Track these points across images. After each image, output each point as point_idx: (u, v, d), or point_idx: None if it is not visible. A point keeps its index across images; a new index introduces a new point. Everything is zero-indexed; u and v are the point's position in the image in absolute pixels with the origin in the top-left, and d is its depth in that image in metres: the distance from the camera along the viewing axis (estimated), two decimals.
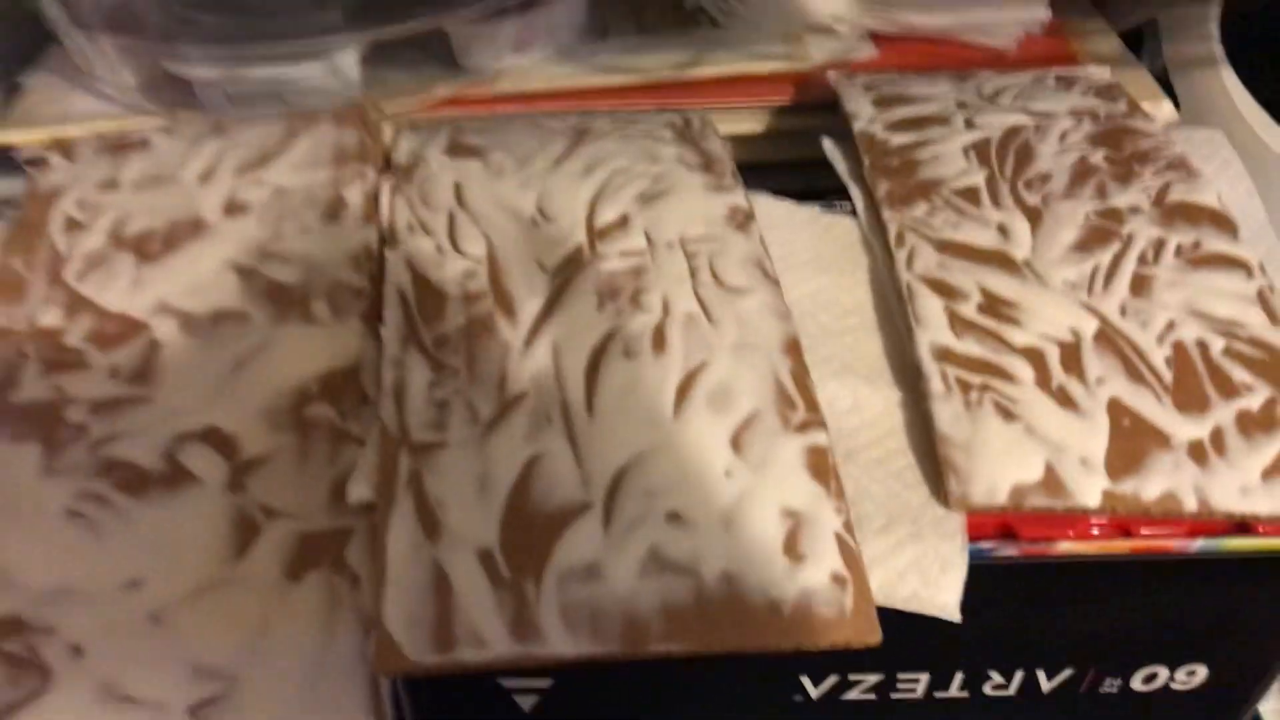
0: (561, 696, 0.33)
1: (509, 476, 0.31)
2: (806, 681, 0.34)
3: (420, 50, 0.53)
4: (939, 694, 0.35)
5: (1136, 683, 0.35)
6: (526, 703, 0.34)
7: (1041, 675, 0.35)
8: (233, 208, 0.40)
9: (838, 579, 0.29)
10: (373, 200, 0.40)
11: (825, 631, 0.28)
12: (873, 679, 0.34)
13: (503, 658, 0.28)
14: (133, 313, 0.36)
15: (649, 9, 0.58)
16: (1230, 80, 0.55)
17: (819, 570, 0.29)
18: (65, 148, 0.43)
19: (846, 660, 0.33)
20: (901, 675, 0.34)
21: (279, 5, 0.52)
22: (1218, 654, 0.34)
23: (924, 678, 0.34)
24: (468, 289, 0.36)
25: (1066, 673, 0.35)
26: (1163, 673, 0.35)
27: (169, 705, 0.29)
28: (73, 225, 0.39)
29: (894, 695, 0.35)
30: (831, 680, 0.34)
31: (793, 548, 0.30)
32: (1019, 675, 0.35)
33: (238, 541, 0.32)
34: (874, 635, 0.29)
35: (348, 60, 0.51)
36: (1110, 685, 0.35)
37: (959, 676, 0.34)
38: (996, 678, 0.35)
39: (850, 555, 0.30)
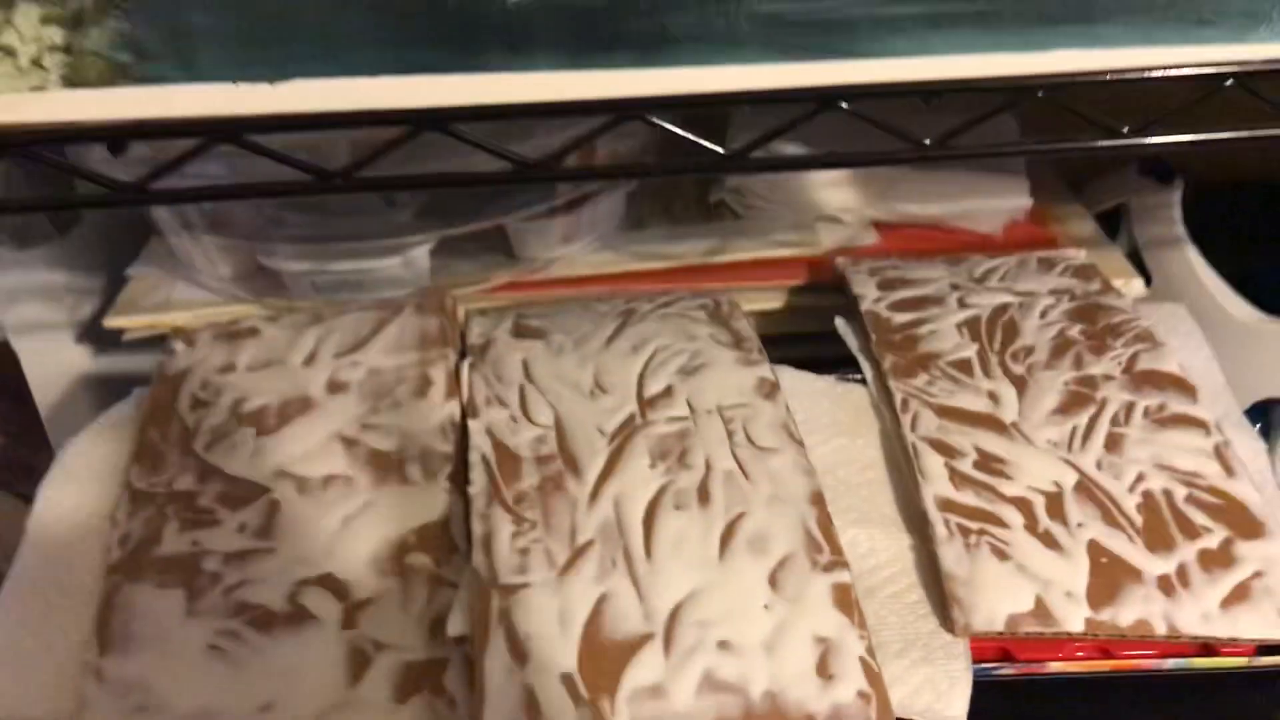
0: None
1: (583, 612, 0.36)
2: None
3: (482, 244, 0.61)
4: None
5: None
6: None
7: None
8: (334, 386, 0.46)
9: (863, 695, 0.35)
10: (454, 378, 0.47)
11: None
12: None
13: None
14: (255, 478, 0.43)
15: (678, 203, 0.66)
16: (1194, 256, 0.63)
17: (847, 689, 0.35)
18: (187, 336, 0.50)
19: None
20: None
21: (356, 207, 0.60)
22: None
23: None
24: (539, 452, 0.42)
25: None
26: None
27: None
28: (198, 404, 0.46)
29: None
30: None
31: (824, 669, 0.35)
32: None
33: (353, 670, 0.37)
34: None
35: (420, 254, 0.58)
36: None
37: None
38: None
39: (873, 675, 0.35)
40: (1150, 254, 0.65)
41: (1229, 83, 0.37)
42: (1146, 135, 0.38)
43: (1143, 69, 0.37)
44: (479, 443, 0.43)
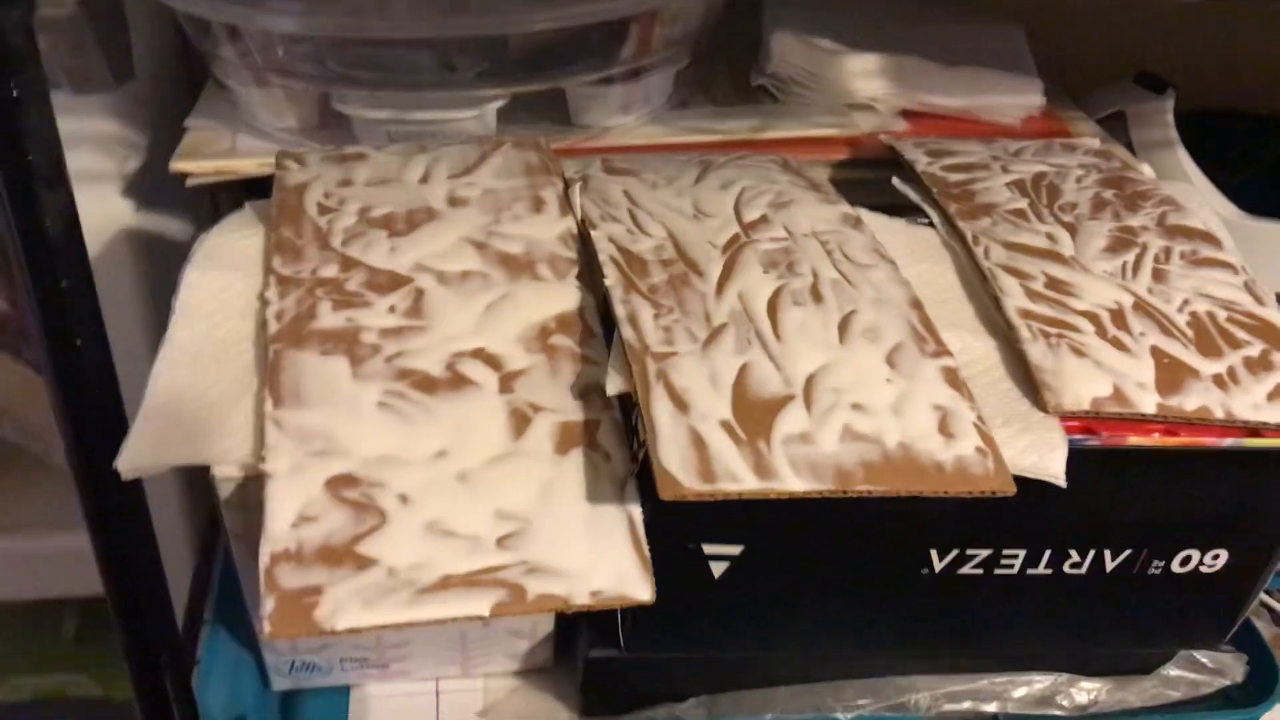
0: (745, 565, 0.43)
1: (730, 375, 0.41)
2: (934, 555, 0.44)
3: (541, 111, 0.64)
4: (1030, 570, 0.45)
5: (1175, 565, 0.46)
6: (719, 569, 0.43)
7: (1108, 555, 0.45)
8: (454, 201, 0.50)
9: (980, 450, 0.40)
10: (564, 199, 0.50)
11: (977, 482, 0.39)
12: (983, 554, 0.44)
13: (751, 490, 0.37)
14: (397, 270, 0.46)
15: (717, 86, 0.71)
16: (1184, 157, 0.69)
17: (967, 444, 0.40)
18: (296, 157, 0.52)
19: (967, 533, 0.44)
20: (1005, 551, 0.44)
21: (417, 67, 0.63)
22: (1236, 539, 0.45)
23: (1021, 554, 0.44)
24: (661, 256, 0.46)
25: (1126, 554, 0.45)
26: (1195, 556, 0.46)
27: (482, 538, 0.38)
28: (325, 209, 0.49)
29: (997, 570, 0.45)
30: (953, 553, 0.44)
31: (945, 429, 0.40)
32: (1091, 555, 0.45)
33: (515, 427, 0.41)
34: (1011, 487, 0.39)
35: (492, 109, 0.62)
36: (1156, 567, 0.46)
37: (1047, 554, 0.45)
38: (1074, 556, 0.45)
39: (986, 436, 0.40)
40: (1145, 155, 0.71)
41: None
42: None
43: None
44: (605, 247, 0.46)
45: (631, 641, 0.46)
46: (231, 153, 0.62)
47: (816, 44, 0.69)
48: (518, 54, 0.63)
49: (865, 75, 0.68)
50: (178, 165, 0.62)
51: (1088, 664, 0.50)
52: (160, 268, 0.67)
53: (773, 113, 0.67)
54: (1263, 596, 0.67)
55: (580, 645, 0.47)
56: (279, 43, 0.61)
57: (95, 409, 0.48)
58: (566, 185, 0.52)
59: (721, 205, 0.51)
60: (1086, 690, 0.49)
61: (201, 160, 0.62)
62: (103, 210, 0.66)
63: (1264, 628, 0.63)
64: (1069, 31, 0.77)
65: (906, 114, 0.68)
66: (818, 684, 0.49)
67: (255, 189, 0.55)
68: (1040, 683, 0.49)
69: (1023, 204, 0.54)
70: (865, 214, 0.53)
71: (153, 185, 0.68)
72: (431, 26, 0.60)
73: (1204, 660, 0.50)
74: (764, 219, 0.50)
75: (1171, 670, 0.50)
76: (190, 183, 0.62)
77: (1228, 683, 0.50)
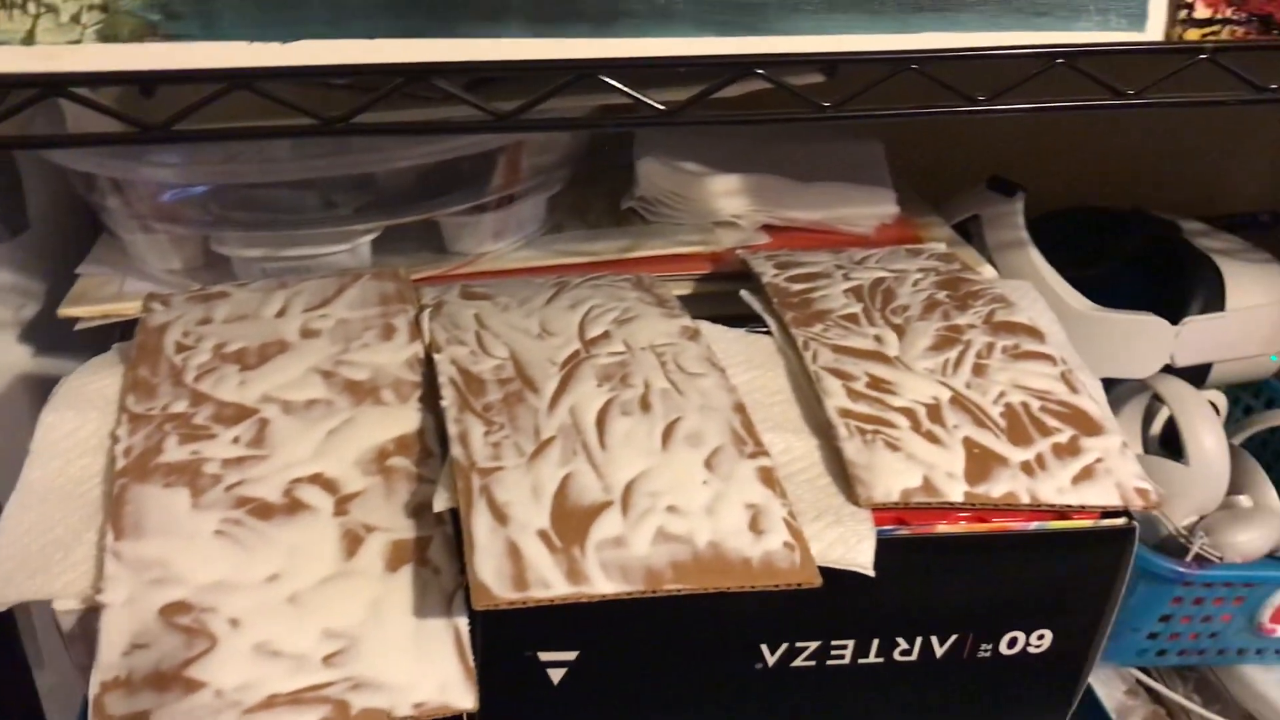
0: (582, 670, 0.44)
1: (552, 486, 0.43)
2: (765, 650, 0.46)
3: (417, 240, 0.68)
4: (861, 660, 0.47)
5: (1003, 647, 0.48)
6: (556, 676, 0.45)
7: (935, 641, 0.47)
8: (307, 333, 0.52)
9: (788, 545, 0.42)
10: (415, 325, 0.53)
11: (783, 576, 0.41)
12: (813, 645, 0.46)
13: (562, 595, 0.39)
14: (244, 402, 0.48)
15: (592, 211, 0.74)
16: (1035, 255, 0.73)
17: (775, 539, 0.42)
18: (162, 298, 0.55)
19: (793, 626, 0.45)
20: (834, 642, 0.46)
21: (299, 207, 0.66)
22: (1057, 619, 0.47)
23: (851, 644, 0.46)
24: (500, 376, 0.49)
25: (953, 639, 0.47)
26: (1021, 637, 0.48)
27: (308, 656, 0.40)
28: (182, 347, 0.51)
29: (829, 662, 0.47)
30: (783, 647, 0.46)
31: (755, 526, 0.42)
32: (919, 641, 0.47)
33: (347, 547, 0.43)
34: (817, 579, 0.41)
35: (364, 243, 0.65)
36: (985, 650, 0.48)
37: (875, 643, 0.47)
38: (903, 644, 0.47)
39: (795, 531, 0.42)
40: (999, 256, 0.75)
41: (1059, 61, 0.47)
42: (997, 103, 0.47)
43: (991, 48, 0.46)
44: (446, 369, 0.49)
45: None
46: (119, 296, 0.65)
47: (681, 167, 0.73)
48: (391, 189, 0.67)
49: (727, 194, 0.72)
50: (66, 310, 0.64)
51: None
52: None
53: (642, 233, 0.71)
54: (1140, 676, 0.68)
55: None
56: (160, 191, 0.65)
57: None
58: (419, 312, 0.55)
59: (567, 324, 0.53)
60: None
61: (89, 305, 0.64)
62: (0, 357, 0.68)
63: (1140, 706, 0.65)
64: (932, 142, 0.82)
65: (768, 228, 0.72)
66: None
67: None
68: None
69: (856, 309, 0.57)
70: (706, 326, 0.55)
71: (51, 332, 0.70)
72: (305, 169, 0.64)
73: None
74: (606, 335, 0.53)
75: None
76: (79, 326, 0.65)
77: None
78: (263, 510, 0.44)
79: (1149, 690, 0.68)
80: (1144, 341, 0.74)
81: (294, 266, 0.64)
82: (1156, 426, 0.79)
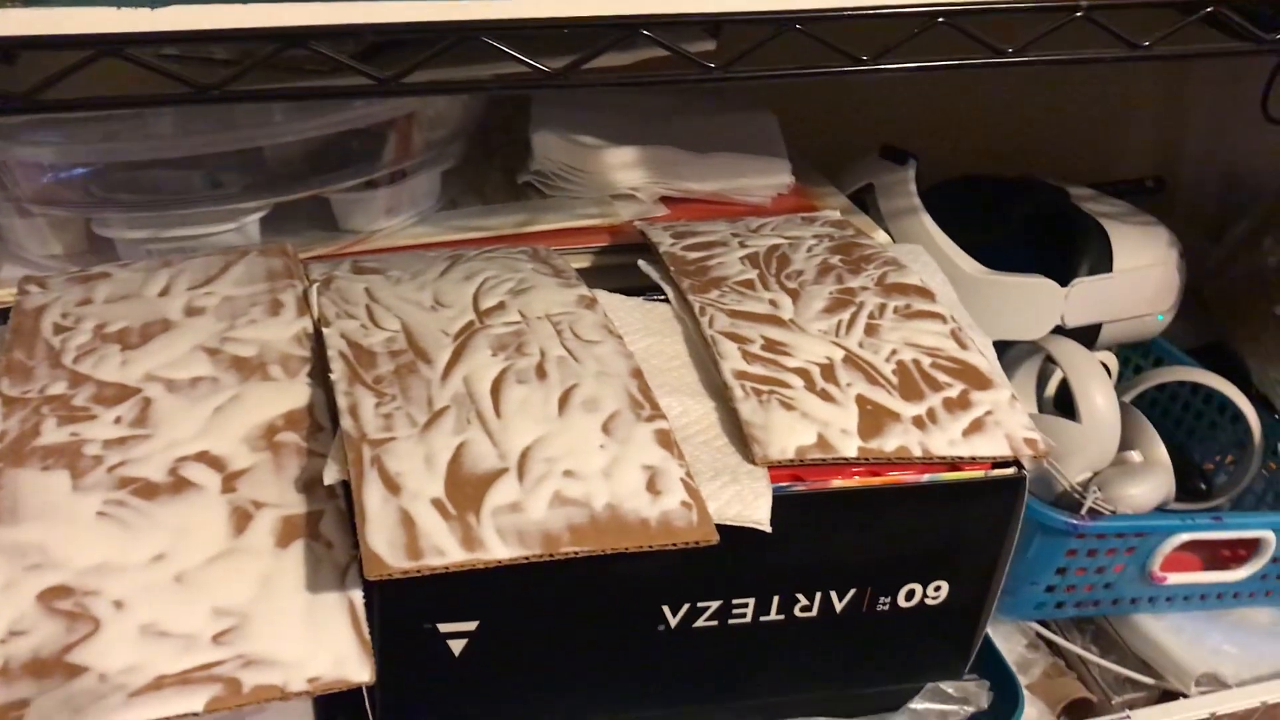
0: (483, 640, 0.44)
1: (446, 454, 0.42)
2: (667, 611, 0.46)
3: (308, 218, 0.66)
4: (763, 618, 0.47)
5: (901, 599, 0.48)
6: (457, 647, 0.44)
7: (834, 596, 0.47)
8: (191, 310, 0.51)
9: (685, 504, 0.42)
10: (303, 301, 0.52)
11: (680, 534, 0.41)
12: (714, 605, 0.46)
13: (457, 561, 0.39)
14: (126, 381, 0.46)
15: (487, 185, 0.73)
16: (927, 220, 0.75)
17: (672, 499, 0.42)
18: (39, 280, 0.53)
19: (694, 586, 0.45)
20: (735, 601, 0.46)
21: (185, 188, 0.64)
22: (953, 570, 0.48)
23: (751, 602, 0.47)
24: (392, 348, 0.48)
25: (851, 593, 0.48)
26: (918, 589, 0.48)
27: (197, 636, 0.39)
28: (60, 328, 0.49)
29: (731, 620, 0.47)
30: (685, 608, 0.46)
31: (653, 487, 0.42)
32: (818, 597, 0.47)
33: (236, 524, 0.42)
34: (714, 536, 0.41)
35: (252, 221, 0.63)
36: (883, 603, 0.48)
37: (776, 600, 0.47)
38: (802, 599, 0.47)
39: (692, 490, 0.42)
40: (893, 222, 0.76)
41: (940, 20, 0.47)
42: (881, 63, 0.48)
43: (874, 7, 0.47)
44: (335, 343, 0.48)
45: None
46: None
47: (578, 140, 0.72)
48: (279, 165, 0.65)
49: (624, 167, 0.72)
50: None
51: (841, 706, 0.52)
52: None
53: (539, 207, 0.70)
54: (1039, 630, 0.70)
55: None
56: (37, 173, 0.62)
57: None
58: (309, 287, 0.53)
59: (460, 295, 0.53)
60: None
61: None
62: None
63: (1040, 658, 0.67)
64: (825, 112, 0.83)
65: (666, 200, 0.72)
66: None
67: None
68: None
69: (752, 275, 0.57)
70: (603, 295, 0.55)
71: None
72: (189, 145, 0.62)
73: (950, 690, 0.53)
74: (501, 305, 0.52)
75: (920, 704, 0.53)
76: None
77: (973, 710, 0.53)
78: (147, 490, 0.42)
79: (1048, 643, 0.70)
80: (1035, 303, 0.76)
81: (180, 247, 0.62)
82: (1051, 388, 0.81)
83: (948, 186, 0.83)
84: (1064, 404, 0.76)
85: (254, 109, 0.62)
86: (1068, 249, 0.79)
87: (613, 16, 0.44)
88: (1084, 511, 0.64)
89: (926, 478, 0.46)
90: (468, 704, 0.46)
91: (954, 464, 0.47)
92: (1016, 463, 0.47)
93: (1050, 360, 0.76)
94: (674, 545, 0.41)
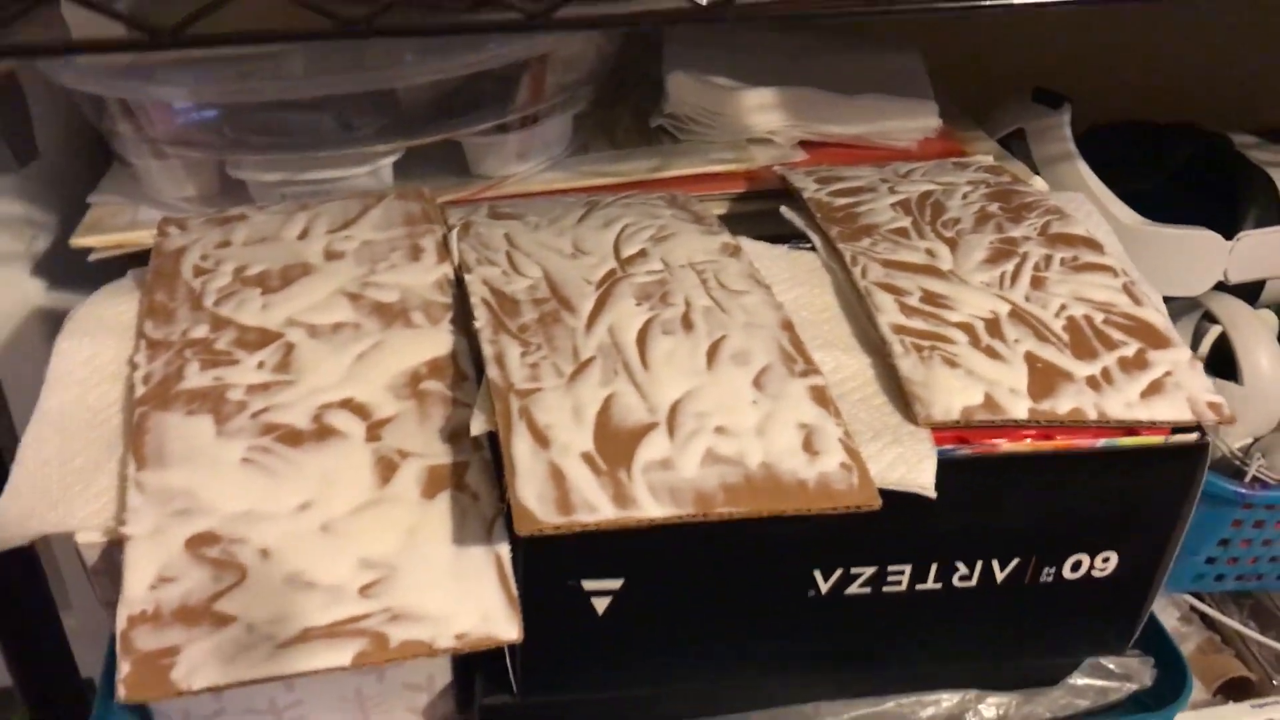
0: (628, 599, 0.42)
1: (594, 407, 0.41)
2: (819, 575, 0.44)
3: (440, 162, 0.65)
4: (919, 586, 0.45)
5: (1067, 570, 0.45)
6: (601, 605, 0.43)
7: (996, 566, 0.45)
8: (331, 255, 0.50)
9: (845, 466, 0.40)
10: (443, 246, 0.51)
11: (840, 498, 0.39)
12: (869, 571, 0.44)
13: (609, 519, 0.37)
14: (267, 326, 0.46)
15: (618, 129, 0.71)
16: (1084, 168, 0.70)
17: (831, 460, 0.40)
18: (179, 221, 0.52)
19: (848, 550, 0.43)
20: (891, 567, 0.44)
21: (316, 129, 0.63)
22: (1123, 541, 0.45)
23: (907, 569, 0.44)
24: (534, 296, 0.46)
25: (1014, 563, 0.45)
26: (1085, 560, 0.45)
27: (344, 587, 0.38)
28: (200, 270, 0.49)
29: (885, 589, 0.44)
30: (837, 573, 0.44)
31: (810, 446, 0.40)
32: (979, 566, 0.45)
33: (381, 474, 0.41)
34: (876, 500, 0.39)
35: (386, 165, 0.62)
36: (1048, 574, 0.45)
37: (934, 568, 0.44)
38: (962, 568, 0.45)
39: (852, 450, 0.40)
40: (1046, 170, 0.72)
41: None
42: None
43: None
44: (478, 289, 0.47)
45: (524, 686, 0.45)
46: (133, 225, 0.62)
47: (713, 82, 0.69)
48: (411, 108, 0.64)
49: (761, 109, 0.69)
50: (78, 240, 0.62)
51: (995, 678, 0.50)
52: None
53: (672, 152, 0.68)
54: (1193, 602, 0.66)
55: (475, 694, 0.47)
56: (172, 114, 0.62)
57: None
58: (448, 232, 0.52)
59: (601, 242, 0.51)
60: (995, 705, 0.49)
61: (103, 234, 0.62)
62: (13, 292, 0.66)
63: (1194, 633, 0.63)
64: (974, 53, 0.78)
65: (805, 144, 0.69)
66: (719, 718, 0.48)
67: None
68: (948, 701, 0.49)
69: (905, 222, 0.54)
70: (746, 242, 0.53)
71: (65, 264, 0.68)
72: (321, 85, 0.61)
73: (1111, 666, 0.50)
74: (642, 253, 0.50)
75: (1079, 679, 0.50)
76: (93, 257, 0.63)
77: (1136, 687, 0.50)
78: (291, 437, 0.41)
79: (1203, 617, 0.66)
80: (1197, 257, 0.71)
81: (314, 190, 0.61)
82: (1204, 347, 0.76)
83: (1103, 131, 0.78)
84: (1220, 364, 0.71)
85: (385, 51, 0.61)
86: (1232, 199, 0.73)
87: None
88: (1248, 480, 0.60)
89: (1102, 443, 0.43)
90: (610, 663, 0.45)
91: (1131, 428, 0.43)
92: (1198, 427, 0.44)
93: (1208, 318, 0.71)
94: (834, 509, 0.38)
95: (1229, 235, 0.71)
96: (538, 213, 0.54)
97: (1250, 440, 0.66)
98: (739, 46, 0.73)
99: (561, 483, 0.38)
